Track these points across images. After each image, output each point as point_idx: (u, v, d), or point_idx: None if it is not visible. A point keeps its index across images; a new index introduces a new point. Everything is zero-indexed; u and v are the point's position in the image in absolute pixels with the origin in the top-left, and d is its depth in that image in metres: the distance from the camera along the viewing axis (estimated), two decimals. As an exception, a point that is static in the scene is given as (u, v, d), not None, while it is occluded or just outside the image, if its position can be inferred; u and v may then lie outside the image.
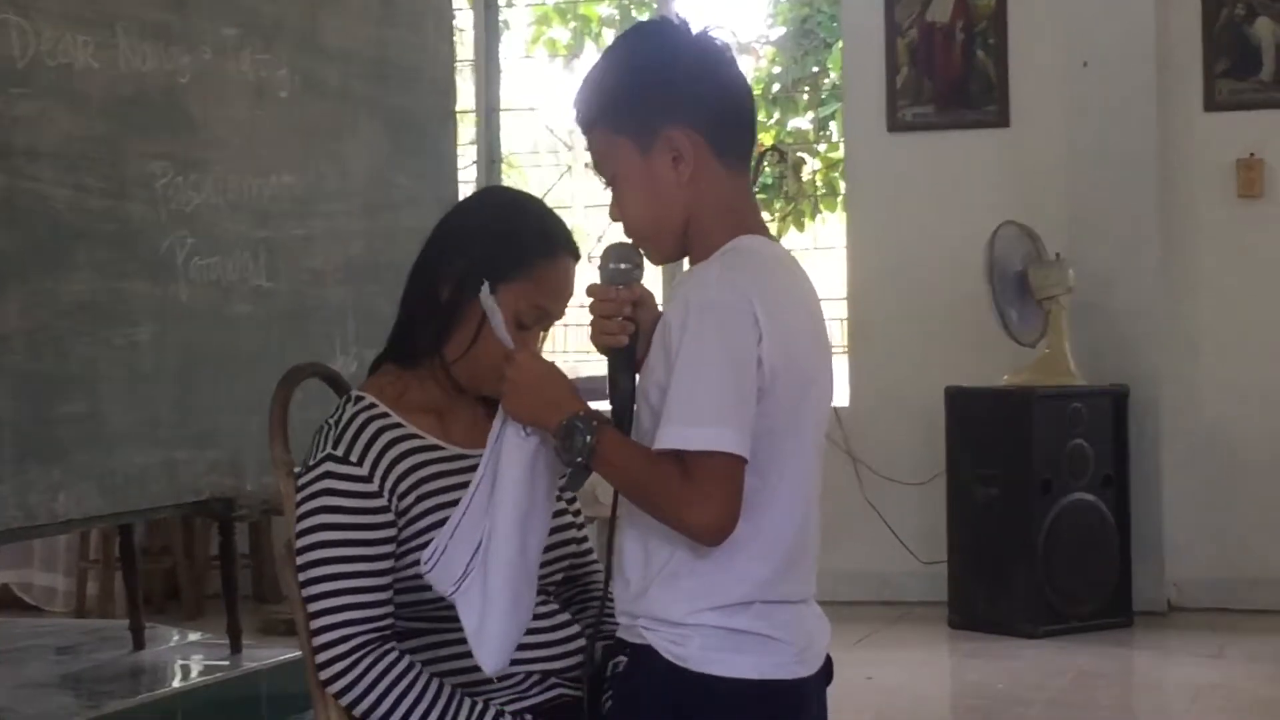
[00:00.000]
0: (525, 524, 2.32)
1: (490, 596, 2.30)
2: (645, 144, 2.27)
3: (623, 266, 2.33)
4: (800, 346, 2.24)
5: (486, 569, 2.31)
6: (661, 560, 2.23)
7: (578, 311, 2.47)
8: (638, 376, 2.31)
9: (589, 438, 2.20)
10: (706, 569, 2.20)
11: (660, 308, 2.34)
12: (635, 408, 2.28)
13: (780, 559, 2.24)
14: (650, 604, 2.24)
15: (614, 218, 2.37)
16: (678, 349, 2.16)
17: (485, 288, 2.47)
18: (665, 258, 2.34)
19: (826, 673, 2.33)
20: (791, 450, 2.24)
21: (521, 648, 2.58)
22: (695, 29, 2.31)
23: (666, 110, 2.26)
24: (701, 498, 2.13)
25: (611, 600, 2.70)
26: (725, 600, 2.21)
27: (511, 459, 2.31)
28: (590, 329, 2.35)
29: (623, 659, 2.31)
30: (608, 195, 2.38)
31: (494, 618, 2.31)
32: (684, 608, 2.21)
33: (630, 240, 2.35)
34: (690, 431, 2.13)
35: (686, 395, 2.14)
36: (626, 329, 2.31)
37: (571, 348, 7.71)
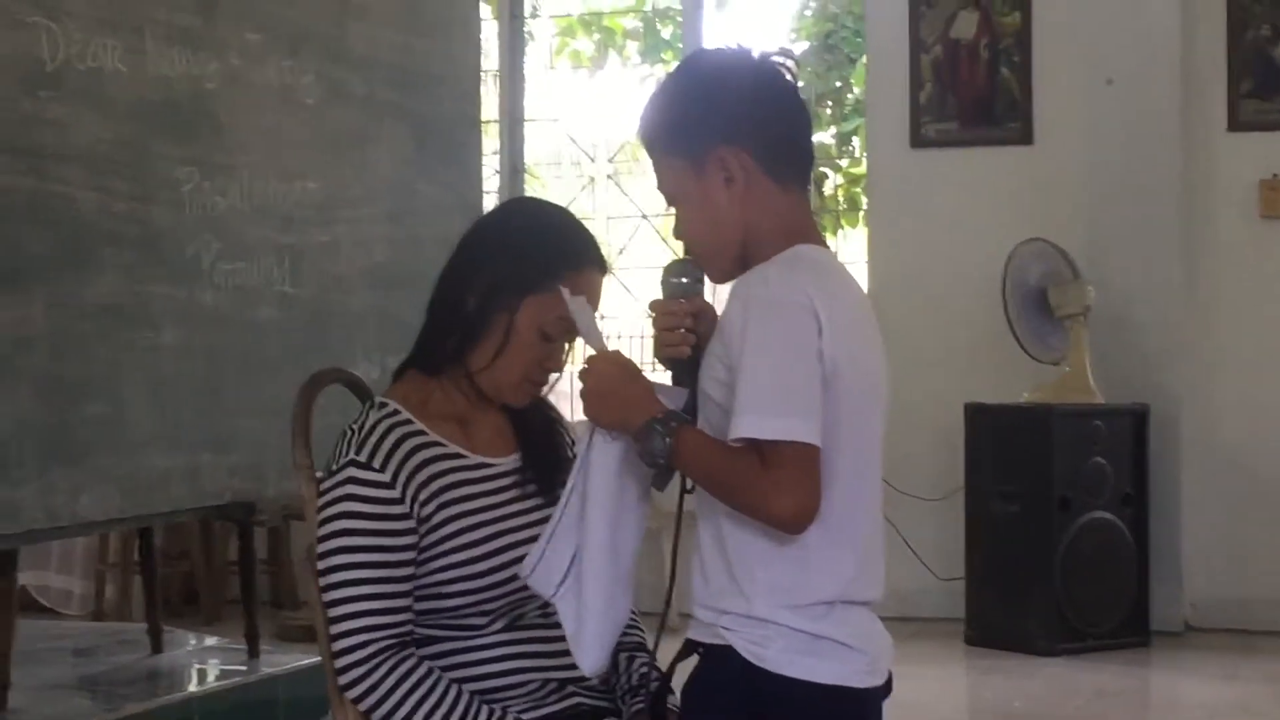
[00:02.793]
0: (616, 528, 2.36)
1: (585, 600, 2.35)
2: (698, 165, 2.33)
3: (683, 281, 2.41)
4: (859, 343, 2.30)
5: (581, 573, 2.35)
6: (741, 555, 2.26)
7: (634, 323, 2.53)
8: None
9: (667, 439, 2.24)
10: (787, 562, 2.24)
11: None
12: (699, 405, 2.32)
13: (860, 554, 2.30)
14: (732, 600, 2.26)
15: (676, 236, 2.43)
16: (742, 345, 2.21)
17: (566, 291, 2.50)
18: (725, 275, 2.39)
19: (888, 685, 2.37)
20: (860, 446, 2.29)
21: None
22: (756, 53, 2.37)
23: (716, 132, 2.32)
24: (782, 486, 2.18)
25: (632, 610, 2.73)
26: (809, 599, 2.25)
27: (600, 464, 2.35)
28: (653, 342, 2.41)
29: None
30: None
31: (590, 621, 2.35)
32: (765, 603, 2.24)
33: (690, 257, 2.41)
34: (763, 421, 2.17)
35: (756, 387, 2.19)
36: (688, 340, 2.38)
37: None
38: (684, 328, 2.38)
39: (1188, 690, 6.25)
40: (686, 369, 2.36)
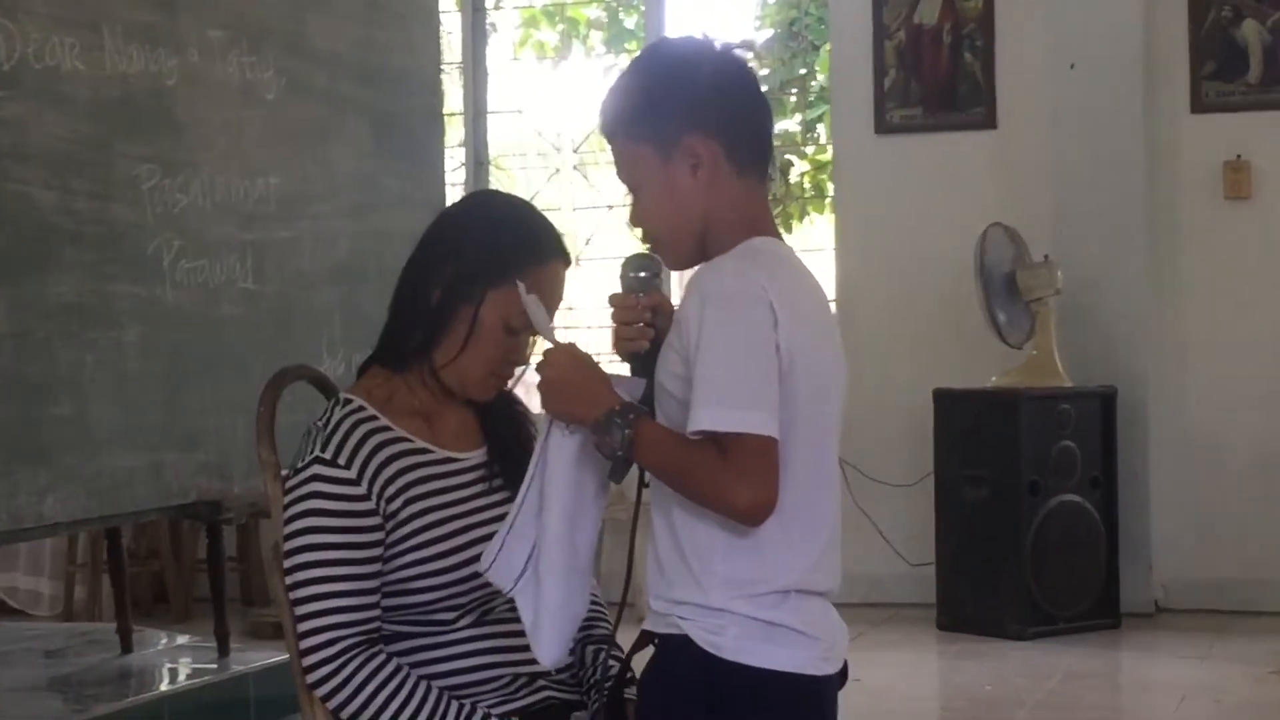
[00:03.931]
0: (574, 521, 2.36)
1: (543, 593, 2.35)
2: (665, 152, 2.33)
3: (642, 275, 2.41)
4: (815, 336, 2.30)
5: (539, 567, 2.35)
6: (696, 546, 2.26)
7: (599, 314, 2.52)
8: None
9: (627, 430, 2.24)
10: (743, 553, 2.24)
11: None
12: (655, 399, 2.32)
13: (816, 545, 2.30)
14: (687, 590, 2.26)
15: (634, 224, 2.42)
16: (699, 338, 2.20)
17: (521, 286, 2.49)
18: (683, 263, 2.39)
19: (843, 674, 2.39)
20: (816, 438, 2.29)
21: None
22: (719, 45, 2.37)
23: (686, 119, 2.32)
24: (741, 478, 2.17)
25: (599, 598, 2.72)
26: (764, 588, 2.25)
27: (557, 458, 2.35)
28: (612, 336, 2.41)
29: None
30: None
31: (548, 614, 2.36)
32: (721, 593, 2.24)
33: (647, 248, 2.41)
34: (722, 414, 2.17)
35: (714, 380, 2.19)
36: (647, 334, 2.38)
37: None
38: (642, 322, 2.38)
39: (1159, 671, 6.27)
40: (645, 363, 2.36)
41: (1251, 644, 6.46)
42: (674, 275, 2.47)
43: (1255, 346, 7.09)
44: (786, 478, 2.21)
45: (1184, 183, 7.18)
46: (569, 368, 2.33)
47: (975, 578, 6.71)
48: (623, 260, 2.45)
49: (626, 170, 2.38)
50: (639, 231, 2.41)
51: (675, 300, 2.41)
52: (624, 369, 2.39)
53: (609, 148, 2.44)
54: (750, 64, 2.38)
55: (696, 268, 2.34)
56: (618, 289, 2.44)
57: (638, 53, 2.46)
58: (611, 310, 2.42)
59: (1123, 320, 7.06)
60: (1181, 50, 7.18)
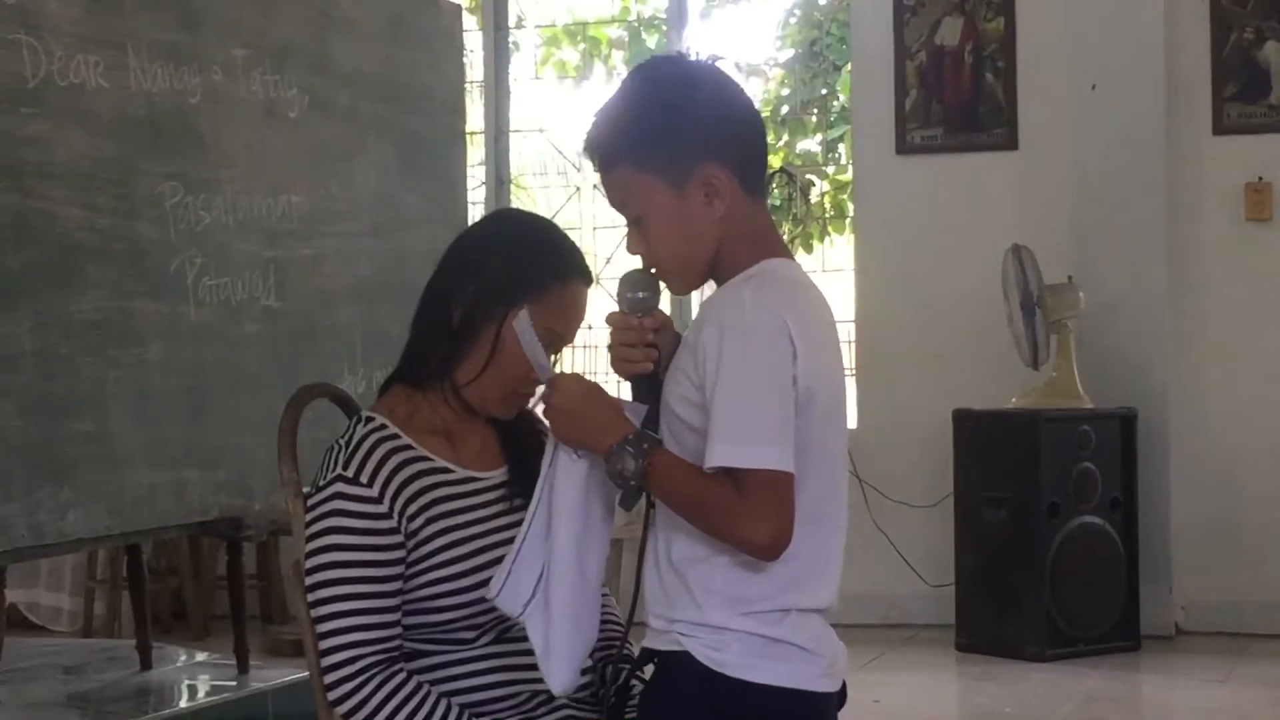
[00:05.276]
0: (582, 546, 2.36)
1: (553, 619, 2.35)
2: (678, 181, 2.29)
3: (641, 295, 2.37)
4: (828, 362, 2.29)
5: (549, 593, 2.35)
6: (696, 565, 2.26)
7: (590, 334, 2.50)
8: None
9: (640, 461, 2.23)
10: (743, 573, 2.24)
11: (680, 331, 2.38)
12: (665, 423, 2.31)
13: (821, 566, 2.29)
14: (686, 609, 2.27)
15: (634, 252, 2.38)
16: (717, 370, 2.19)
17: (523, 314, 2.49)
18: (690, 288, 2.38)
19: (842, 694, 2.37)
20: (826, 465, 2.29)
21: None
22: (703, 61, 2.36)
23: (697, 147, 2.28)
24: (757, 514, 2.17)
25: (618, 618, 2.72)
26: (765, 606, 2.25)
27: (565, 483, 2.35)
28: (610, 356, 2.39)
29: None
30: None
31: (558, 640, 2.36)
32: (723, 613, 2.24)
33: (646, 269, 2.37)
34: (740, 449, 2.17)
35: (733, 414, 2.18)
36: (651, 355, 2.36)
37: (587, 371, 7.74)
38: (645, 343, 2.36)
39: (1179, 694, 6.25)
40: (647, 384, 2.35)
41: (1272, 667, 6.44)
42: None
43: (1276, 368, 7.07)
44: (798, 507, 2.20)
45: (1205, 204, 7.17)
46: (580, 395, 2.32)
47: (995, 599, 6.69)
48: (620, 279, 2.41)
49: (630, 201, 2.34)
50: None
51: (670, 312, 2.40)
52: (624, 388, 2.38)
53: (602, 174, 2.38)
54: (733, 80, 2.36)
55: (713, 291, 2.33)
56: (612, 310, 2.42)
57: (626, 77, 2.41)
58: (610, 330, 2.38)
59: (1143, 341, 7.05)
60: (1203, 72, 7.17)
